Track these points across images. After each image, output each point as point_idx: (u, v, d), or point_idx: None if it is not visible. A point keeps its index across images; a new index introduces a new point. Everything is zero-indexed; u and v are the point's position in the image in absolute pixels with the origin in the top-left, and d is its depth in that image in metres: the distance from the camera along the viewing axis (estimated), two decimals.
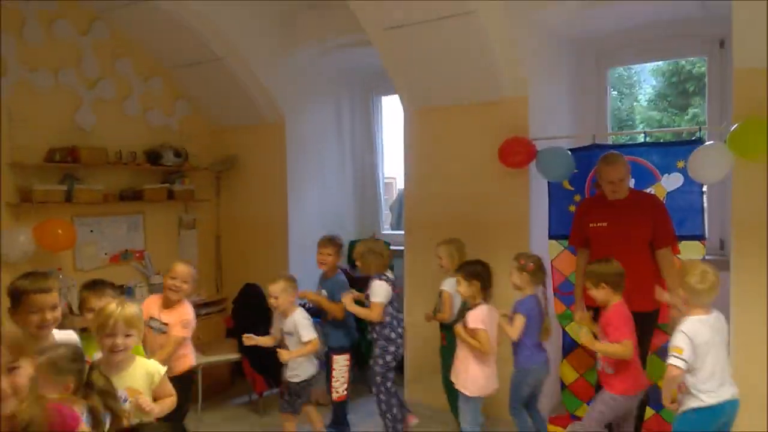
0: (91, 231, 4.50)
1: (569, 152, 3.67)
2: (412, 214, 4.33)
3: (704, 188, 3.51)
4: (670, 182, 3.51)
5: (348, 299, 3.64)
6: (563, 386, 3.91)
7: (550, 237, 3.88)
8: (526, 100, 3.79)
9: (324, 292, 3.82)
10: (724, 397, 2.69)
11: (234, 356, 4.26)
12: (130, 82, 4.75)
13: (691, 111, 8.36)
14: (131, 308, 2.32)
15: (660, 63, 8.28)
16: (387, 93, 5.40)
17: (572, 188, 3.80)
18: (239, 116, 5.07)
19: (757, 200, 3.14)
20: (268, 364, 4.16)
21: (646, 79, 9.43)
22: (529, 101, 3.81)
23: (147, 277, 4.78)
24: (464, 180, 4.06)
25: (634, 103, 9.36)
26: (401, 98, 4.26)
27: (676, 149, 3.50)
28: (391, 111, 5.45)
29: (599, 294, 3.04)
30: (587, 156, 3.72)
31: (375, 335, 3.68)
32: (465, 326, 3.27)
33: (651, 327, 3.41)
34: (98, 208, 4.46)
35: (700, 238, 3.44)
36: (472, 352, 3.27)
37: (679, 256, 3.48)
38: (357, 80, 5.43)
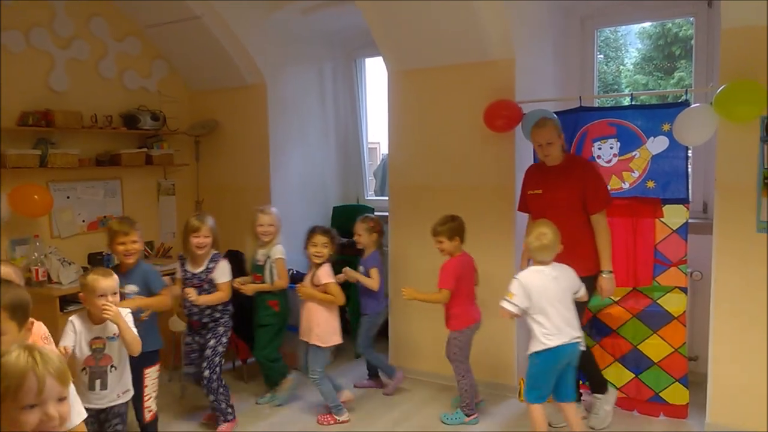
0: (68, 197, 4.40)
1: (555, 115, 3.62)
2: (396, 179, 4.28)
3: (689, 152, 3.49)
4: (655, 145, 3.49)
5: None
6: None
7: None
8: (513, 62, 3.72)
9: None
10: (563, 340, 2.98)
11: None
12: (104, 43, 4.59)
13: (677, 75, 8.32)
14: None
15: (646, 26, 8.19)
16: (370, 55, 5.28)
17: None
18: (219, 78, 4.94)
19: (740, 163, 3.14)
20: (251, 331, 4.15)
21: (632, 42, 9.35)
22: (516, 63, 3.73)
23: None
24: (449, 144, 4.01)
25: (621, 67, 9.29)
26: (385, 59, 4.16)
27: (662, 112, 3.46)
28: (375, 74, 5.35)
29: (449, 246, 3.54)
30: (573, 119, 3.68)
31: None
32: (314, 284, 3.67)
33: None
34: (74, 174, 4.35)
35: (684, 201, 3.43)
36: (322, 306, 3.65)
37: (662, 219, 3.48)
38: (340, 42, 5.31)
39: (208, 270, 3.49)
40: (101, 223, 4.59)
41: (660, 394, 3.54)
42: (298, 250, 4.93)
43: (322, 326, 3.63)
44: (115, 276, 2.68)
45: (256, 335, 3.94)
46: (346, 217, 5.22)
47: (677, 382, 3.49)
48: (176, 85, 5.11)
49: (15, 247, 4.08)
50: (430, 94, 4.05)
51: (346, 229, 5.00)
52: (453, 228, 3.56)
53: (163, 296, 3.19)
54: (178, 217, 5.05)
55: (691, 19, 4.14)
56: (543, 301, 2.99)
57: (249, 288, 3.83)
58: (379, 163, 6.27)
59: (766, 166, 3.07)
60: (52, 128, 4.10)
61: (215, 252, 3.56)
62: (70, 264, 4.06)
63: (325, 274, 3.65)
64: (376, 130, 5.72)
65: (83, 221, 4.50)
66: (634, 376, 3.63)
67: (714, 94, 3.09)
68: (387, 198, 4.45)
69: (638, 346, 3.61)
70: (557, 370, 3.04)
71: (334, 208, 5.34)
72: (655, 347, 3.55)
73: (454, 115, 3.97)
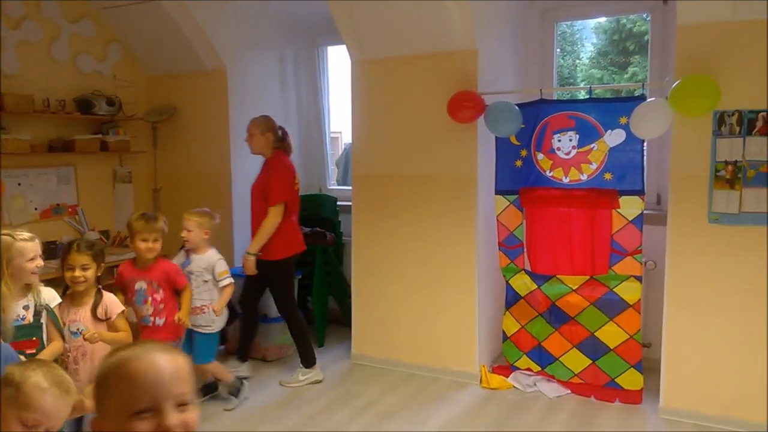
0: (19, 184, 4.24)
1: (517, 107, 3.68)
2: (359, 169, 4.27)
3: (644, 144, 3.60)
4: (613, 138, 3.57)
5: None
6: (505, 337, 4.02)
7: (497, 192, 3.91)
8: (476, 53, 3.75)
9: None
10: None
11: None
12: (57, 24, 4.42)
13: (630, 70, 8.55)
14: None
15: (602, 21, 8.37)
16: (333, 43, 5.24)
17: (519, 143, 3.82)
18: (177, 63, 4.82)
19: (694, 156, 3.25)
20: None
21: (588, 36, 9.55)
22: (479, 54, 3.77)
23: (81, 233, 4.57)
24: (412, 134, 4.02)
25: (577, 61, 9.49)
26: (348, 48, 4.14)
27: (620, 105, 3.55)
28: (338, 62, 5.31)
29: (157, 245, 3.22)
30: (534, 111, 3.74)
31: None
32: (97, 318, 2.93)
33: (273, 274, 3.89)
34: (25, 160, 4.19)
35: (639, 193, 3.54)
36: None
37: (619, 210, 3.58)
38: (302, 29, 5.25)
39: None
40: (54, 211, 4.44)
41: (616, 380, 3.66)
42: None
43: None
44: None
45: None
46: (308, 208, 5.19)
47: (632, 368, 3.61)
48: (133, 69, 4.97)
49: None
50: (394, 83, 4.05)
51: (309, 219, 4.99)
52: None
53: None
54: (134, 206, 4.93)
55: (647, 15, 4.25)
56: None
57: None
58: (341, 152, 6.25)
59: (718, 159, 3.19)
60: (1, 112, 3.94)
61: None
62: None
63: (116, 303, 2.79)
64: (339, 119, 5.70)
65: (35, 209, 4.35)
66: (591, 362, 3.74)
67: (669, 88, 3.19)
68: (349, 187, 4.44)
69: (595, 333, 3.71)
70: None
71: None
72: (611, 334, 3.66)
73: (417, 104, 3.98)
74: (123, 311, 2.79)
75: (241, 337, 4.13)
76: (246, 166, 4.88)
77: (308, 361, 3.99)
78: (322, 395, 3.80)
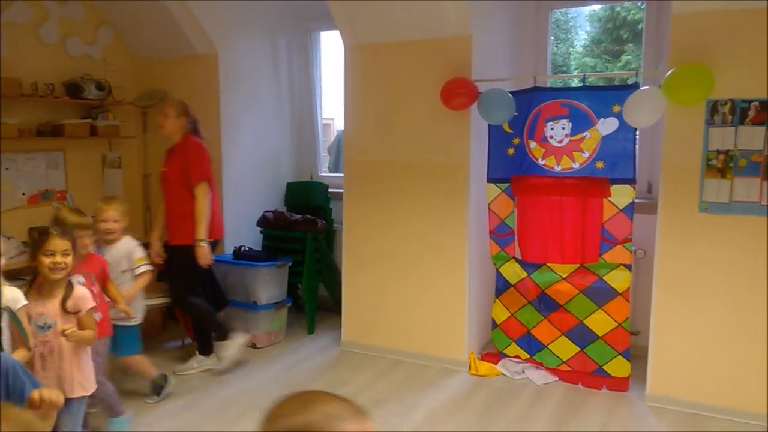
0: (7, 169, 4.19)
1: (511, 95, 3.66)
2: (351, 156, 4.25)
3: (637, 133, 3.59)
4: (605, 126, 3.57)
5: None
6: (494, 325, 4.03)
7: (488, 180, 3.91)
8: (470, 39, 3.72)
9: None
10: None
11: (165, 300, 4.14)
12: (45, 6, 4.35)
13: (624, 58, 8.51)
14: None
15: (596, 9, 8.32)
16: (326, 28, 5.19)
17: (511, 131, 3.81)
18: (168, 47, 4.76)
19: (686, 145, 3.25)
20: None
21: (582, 24, 9.50)
22: (473, 41, 3.74)
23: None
24: (405, 121, 4.00)
25: (570, 49, 9.45)
26: (342, 33, 4.10)
27: (613, 94, 3.54)
28: (331, 48, 5.27)
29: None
30: (527, 99, 3.72)
31: None
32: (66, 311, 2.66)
33: (182, 259, 3.75)
34: (13, 144, 4.13)
35: (631, 181, 3.54)
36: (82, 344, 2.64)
37: (610, 198, 3.59)
38: (295, 14, 5.19)
39: None
40: (43, 196, 4.40)
41: (603, 367, 3.68)
42: (251, 227, 4.90)
43: (85, 372, 2.62)
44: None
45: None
46: (300, 194, 5.18)
47: (620, 356, 3.64)
48: (123, 53, 4.91)
49: None
50: (387, 69, 4.02)
51: (300, 206, 4.98)
52: None
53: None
54: (124, 191, 4.89)
55: (642, 3, 4.23)
56: None
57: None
58: (333, 139, 6.22)
59: (710, 149, 3.20)
60: None
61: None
62: (9, 239, 3.89)
63: (87, 297, 2.58)
64: (331, 105, 5.66)
65: (23, 194, 4.30)
66: (579, 349, 3.76)
67: (663, 77, 3.18)
68: (341, 175, 4.42)
69: (584, 321, 3.73)
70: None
71: (287, 184, 5.28)
72: (600, 322, 3.68)
73: (410, 91, 3.96)
74: (93, 307, 2.60)
75: (197, 329, 3.99)
76: (236, 151, 4.85)
77: (205, 349, 3.92)
78: (312, 382, 3.80)
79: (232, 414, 3.39)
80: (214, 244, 3.87)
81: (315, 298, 4.70)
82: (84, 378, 2.59)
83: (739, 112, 3.13)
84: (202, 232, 3.68)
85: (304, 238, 4.61)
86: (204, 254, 3.70)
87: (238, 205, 4.83)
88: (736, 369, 3.23)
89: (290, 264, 4.50)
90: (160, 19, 4.53)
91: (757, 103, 3.09)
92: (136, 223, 4.95)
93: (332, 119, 6.69)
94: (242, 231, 4.80)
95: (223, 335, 3.90)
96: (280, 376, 3.89)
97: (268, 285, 4.31)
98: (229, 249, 4.62)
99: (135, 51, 4.95)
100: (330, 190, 5.03)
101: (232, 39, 4.74)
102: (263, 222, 4.76)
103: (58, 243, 2.48)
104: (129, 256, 3.32)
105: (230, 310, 4.29)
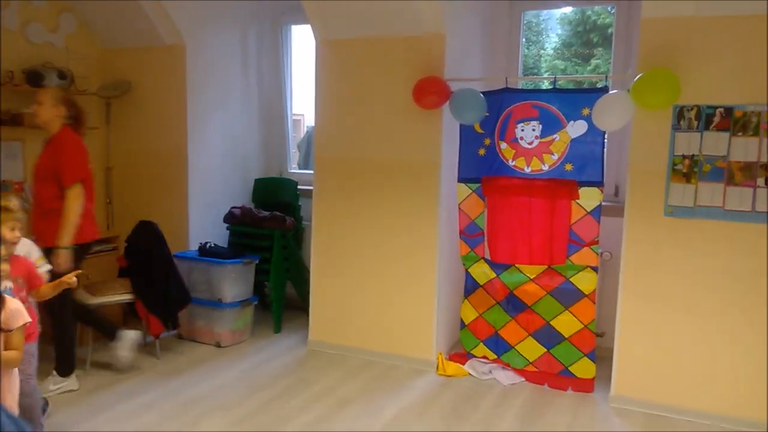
0: None
1: (482, 95, 3.66)
2: (322, 152, 4.20)
3: (606, 136, 3.62)
4: (575, 129, 3.59)
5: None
6: (462, 325, 4.03)
7: (459, 180, 3.90)
8: (443, 37, 3.71)
9: None
10: None
11: (127, 297, 4.03)
12: None
13: (593, 62, 8.62)
14: None
15: (567, 12, 8.42)
16: (298, 22, 5.12)
17: (483, 131, 3.80)
18: (134, 36, 4.63)
19: (653, 149, 3.29)
20: (163, 305, 4.00)
21: (553, 27, 9.59)
22: (446, 40, 3.72)
23: (27, 211, 4.36)
24: (377, 118, 3.96)
25: (541, 51, 9.53)
26: (313, 27, 4.04)
27: (583, 97, 3.56)
28: (302, 42, 5.20)
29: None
30: (499, 99, 3.72)
31: None
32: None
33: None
34: None
35: (599, 184, 3.57)
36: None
37: (578, 201, 3.61)
38: (266, 6, 5.11)
39: None
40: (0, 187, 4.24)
41: (569, 369, 3.71)
42: (217, 223, 4.82)
43: (13, 391, 2.43)
44: None
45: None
46: (268, 191, 5.10)
47: (585, 357, 3.67)
48: (86, 41, 4.76)
49: None
50: (359, 65, 3.98)
51: (269, 203, 4.91)
52: None
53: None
54: None
55: (612, 8, 4.27)
56: None
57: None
58: (303, 135, 6.15)
59: (676, 153, 3.24)
60: None
61: None
62: None
63: (21, 312, 2.32)
64: (302, 101, 5.59)
65: None
66: (545, 350, 3.78)
67: (631, 81, 3.21)
68: (311, 172, 4.36)
69: (551, 322, 3.75)
70: None
71: (255, 180, 5.20)
72: (566, 323, 3.71)
73: (382, 88, 3.92)
74: (25, 324, 2.30)
75: (61, 343, 3.50)
76: (203, 145, 4.76)
77: (64, 369, 3.50)
78: (278, 382, 3.74)
79: (194, 414, 3.31)
80: (85, 247, 3.50)
81: (282, 296, 4.64)
82: (12, 399, 2.38)
83: (705, 118, 3.17)
84: (65, 238, 3.28)
85: (272, 235, 4.55)
86: (63, 262, 3.24)
87: (204, 200, 4.74)
88: (699, 371, 3.28)
89: (257, 261, 4.43)
90: (126, 7, 4.41)
91: (722, 110, 3.14)
92: (98, 218, 4.81)
93: (302, 115, 6.62)
94: (208, 227, 4.72)
95: (111, 335, 3.73)
96: (245, 376, 3.82)
97: (233, 282, 4.24)
98: (194, 245, 4.53)
99: (99, 40, 4.81)
100: (299, 187, 4.97)
101: (200, 30, 4.64)
102: (230, 218, 4.67)
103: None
104: (28, 257, 2.89)
105: (194, 307, 4.21)
